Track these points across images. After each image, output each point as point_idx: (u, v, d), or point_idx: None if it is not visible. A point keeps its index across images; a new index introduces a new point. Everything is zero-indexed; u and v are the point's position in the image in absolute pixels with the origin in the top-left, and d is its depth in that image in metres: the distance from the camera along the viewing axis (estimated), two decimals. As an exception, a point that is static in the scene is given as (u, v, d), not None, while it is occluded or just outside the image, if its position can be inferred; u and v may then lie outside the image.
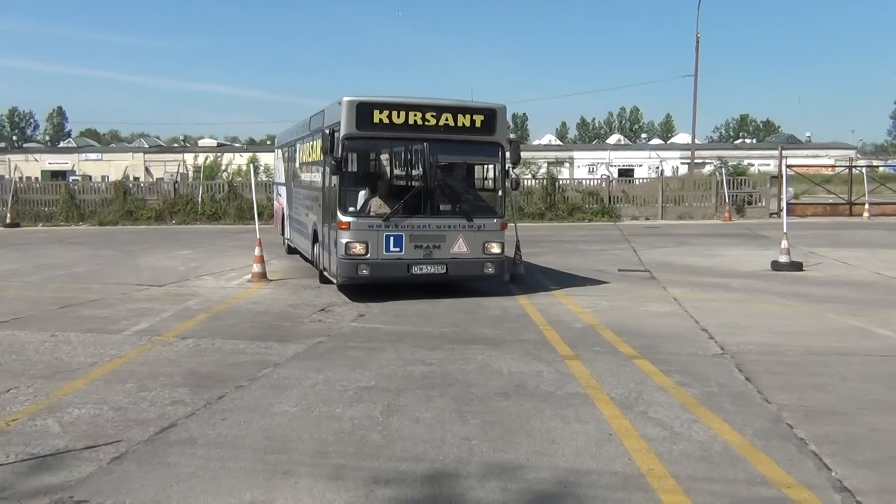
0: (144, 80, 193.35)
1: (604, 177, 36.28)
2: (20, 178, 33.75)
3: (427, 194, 11.12)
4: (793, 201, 32.36)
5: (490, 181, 12.59)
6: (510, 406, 6.03)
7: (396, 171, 13.78)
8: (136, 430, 5.47)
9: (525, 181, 31.36)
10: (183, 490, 4.40)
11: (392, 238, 10.89)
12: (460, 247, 11.18)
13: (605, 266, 15.63)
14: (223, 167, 42.43)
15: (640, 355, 7.72)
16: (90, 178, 52.60)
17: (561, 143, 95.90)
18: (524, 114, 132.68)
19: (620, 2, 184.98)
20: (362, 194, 11.41)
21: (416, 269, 11.05)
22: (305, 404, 6.08)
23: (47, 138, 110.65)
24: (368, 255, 10.81)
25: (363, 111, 10.71)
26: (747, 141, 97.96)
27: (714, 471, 4.68)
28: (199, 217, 29.04)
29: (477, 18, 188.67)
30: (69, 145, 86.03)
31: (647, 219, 30.30)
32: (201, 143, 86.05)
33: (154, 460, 4.88)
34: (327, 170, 11.26)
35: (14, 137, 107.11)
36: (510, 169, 11.75)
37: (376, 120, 10.75)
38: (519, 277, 13.13)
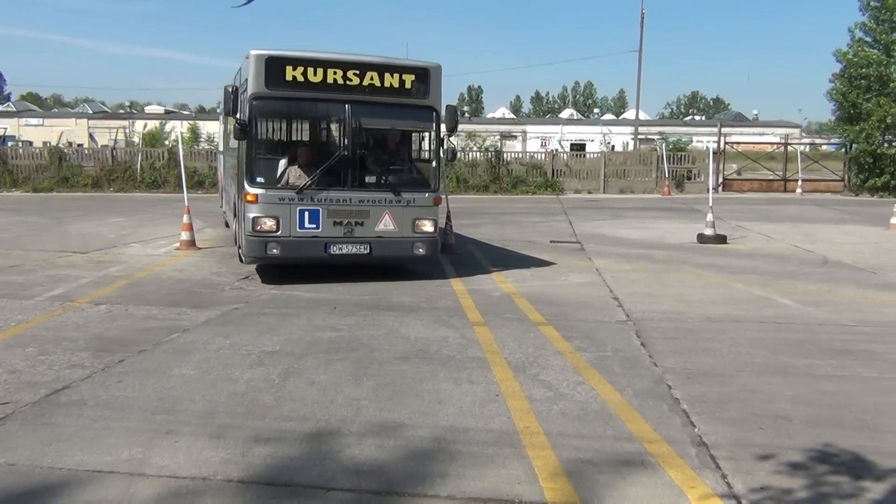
0: (90, 44, 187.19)
1: (547, 151, 36.50)
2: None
3: (348, 164, 9.82)
4: (733, 177, 33.19)
5: (422, 151, 11.60)
6: (408, 369, 6.17)
7: (313, 138, 12.89)
8: (26, 392, 5.46)
9: (471, 153, 31.46)
10: (60, 448, 4.44)
11: (307, 213, 9.63)
12: (386, 224, 9.96)
13: (538, 237, 15.85)
14: (167, 134, 41.50)
15: (548, 322, 7.94)
16: (31, 143, 50.98)
17: (514, 117, 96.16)
18: (479, 86, 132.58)
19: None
20: (282, 163, 10.33)
21: (334, 249, 9.79)
22: (205, 368, 6.13)
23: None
24: (280, 232, 9.53)
25: (273, 67, 9.38)
26: (696, 118, 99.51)
27: (585, 428, 4.89)
28: (138, 185, 28.47)
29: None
30: (8, 109, 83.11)
31: (589, 192, 30.70)
32: (148, 109, 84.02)
33: (38, 421, 4.90)
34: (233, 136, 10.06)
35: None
36: (445, 137, 10.58)
37: (289, 77, 9.41)
38: (449, 247, 13.23)
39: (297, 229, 9.64)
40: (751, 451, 4.51)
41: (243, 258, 10.30)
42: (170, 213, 20.61)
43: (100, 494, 3.86)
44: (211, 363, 6.27)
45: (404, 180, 10.45)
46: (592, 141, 67.74)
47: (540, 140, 68.05)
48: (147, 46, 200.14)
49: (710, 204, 15.73)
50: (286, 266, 10.38)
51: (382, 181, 10.21)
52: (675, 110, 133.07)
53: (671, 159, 31.38)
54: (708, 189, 17.77)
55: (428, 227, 10.20)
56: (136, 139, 42.52)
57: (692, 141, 41.10)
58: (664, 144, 33.00)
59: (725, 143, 31.97)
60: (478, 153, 31.41)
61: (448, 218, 13.58)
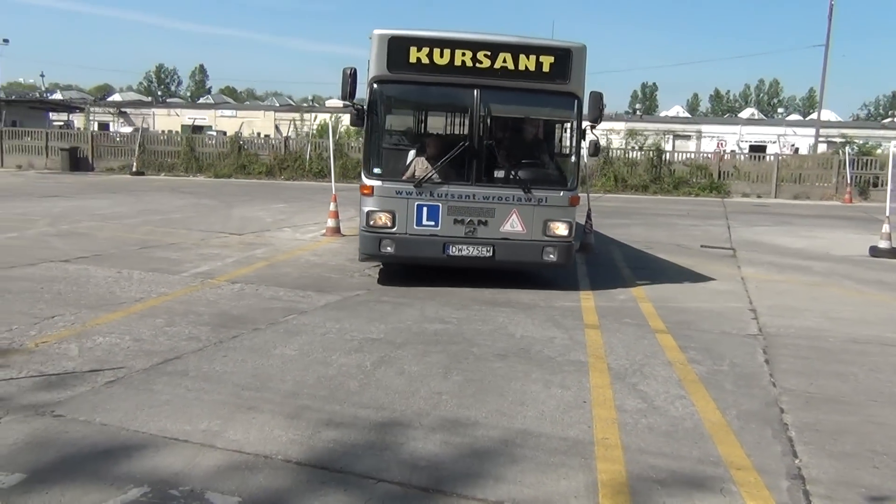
0: (282, 41, 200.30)
1: (715, 151, 34.54)
2: (146, 130, 35.97)
3: (473, 156, 8.88)
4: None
5: (560, 143, 10.60)
6: (501, 367, 6.02)
7: (438, 126, 12.28)
8: (141, 359, 5.87)
9: (631, 152, 30.43)
10: (150, 413, 4.72)
11: (425, 209, 8.83)
12: (513, 224, 8.92)
13: (689, 242, 15.04)
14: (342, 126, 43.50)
15: (667, 330, 7.47)
16: (224, 133, 55.38)
17: (689, 116, 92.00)
18: (653, 83, 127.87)
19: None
20: (411, 154, 9.85)
21: (453, 250, 8.86)
22: (307, 349, 6.31)
23: (189, 94, 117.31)
24: (395, 229, 8.82)
25: (396, 47, 8.64)
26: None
27: (669, 446, 4.52)
28: (306, 174, 30.10)
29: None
30: (208, 102, 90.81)
31: (759, 196, 28.74)
32: (328, 103, 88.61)
33: (142, 386, 5.25)
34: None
35: (160, 93, 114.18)
36: (588, 129, 9.30)
37: (413, 59, 8.62)
38: (587, 246, 12.87)
39: (415, 226, 8.87)
40: (854, 491, 3.97)
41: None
42: (329, 201, 21.63)
43: (167, 460, 4.05)
44: (314, 345, 6.44)
45: (537, 176, 9.39)
46: (774, 142, 63.46)
47: (716, 140, 64.71)
48: (327, 43, 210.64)
49: (888, 213, 14.17)
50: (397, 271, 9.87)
51: (511, 176, 9.11)
52: (874, 111, 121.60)
53: (856, 164, 28.66)
54: (887, 196, 16.01)
55: (561, 230, 8.98)
56: (306, 130, 44.90)
57: (881, 145, 37.26)
58: (848, 147, 30.10)
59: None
60: (638, 152, 30.29)
61: (588, 216, 13.19)
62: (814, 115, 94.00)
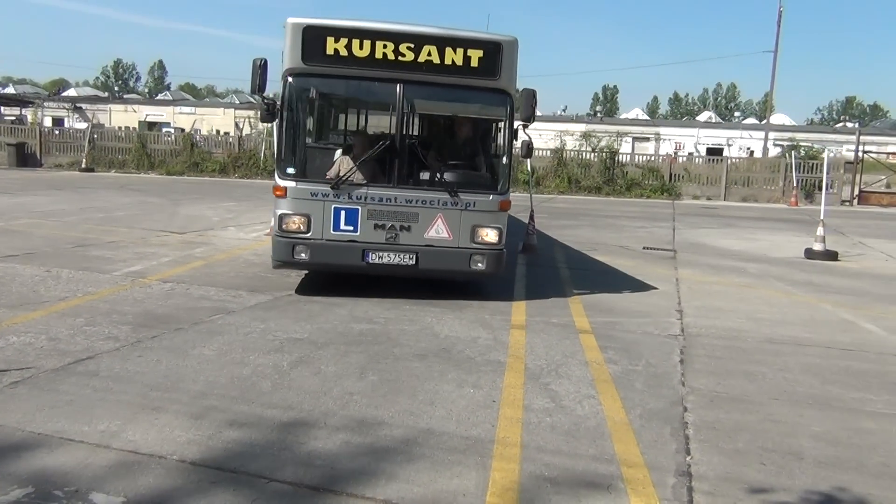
0: (243, 38, 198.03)
1: (667, 154, 35.07)
2: (98, 125, 35.38)
3: (395, 155, 8.36)
4: (872, 189, 30.64)
5: (490, 144, 10.08)
6: (418, 367, 6.07)
7: (357, 124, 11.72)
8: (53, 359, 5.79)
9: (585, 154, 30.74)
10: (50, 414, 4.66)
11: (343, 212, 8.23)
12: (439, 230, 8.34)
13: (633, 243, 15.25)
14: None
15: (591, 330, 7.59)
16: (182, 130, 54.64)
17: (648, 118, 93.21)
18: (614, 86, 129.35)
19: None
20: (337, 154, 9.23)
21: (373, 257, 8.27)
22: (225, 350, 6.28)
23: (147, 90, 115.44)
24: (310, 234, 8.20)
25: (312, 38, 7.99)
26: (849, 125, 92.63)
27: (568, 445, 4.60)
28: (260, 172, 29.87)
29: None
30: (166, 98, 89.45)
31: (708, 199, 29.27)
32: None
33: (47, 387, 5.18)
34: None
35: (117, 89, 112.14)
36: (520, 128, 8.75)
37: (330, 51, 7.97)
38: (530, 248, 13.00)
39: (331, 231, 8.24)
40: (738, 486, 4.09)
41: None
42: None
43: (59, 461, 4.01)
44: (234, 346, 6.41)
45: (464, 178, 8.69)
46: (731, 146, 64.58)
47: (674, 143, 65.66)
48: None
49: (822, 217, 14.56)
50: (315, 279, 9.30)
51: (436, 178, 8.54)
52: (827, 116, 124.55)
53: (802, 168, 29.34)
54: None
55: (491, 236, 8.40)
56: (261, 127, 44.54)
57: (851, 150, 38.09)
58: (794, 152, 30.80)
59: (864, 152, 29.46)
60: (592, 154, 30.63)
61: (531, 217, 13.33)
62: (771, 119, 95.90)
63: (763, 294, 10.20)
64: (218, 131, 51.01)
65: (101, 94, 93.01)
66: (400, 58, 8.06)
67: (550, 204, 23.84)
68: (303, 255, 8.26)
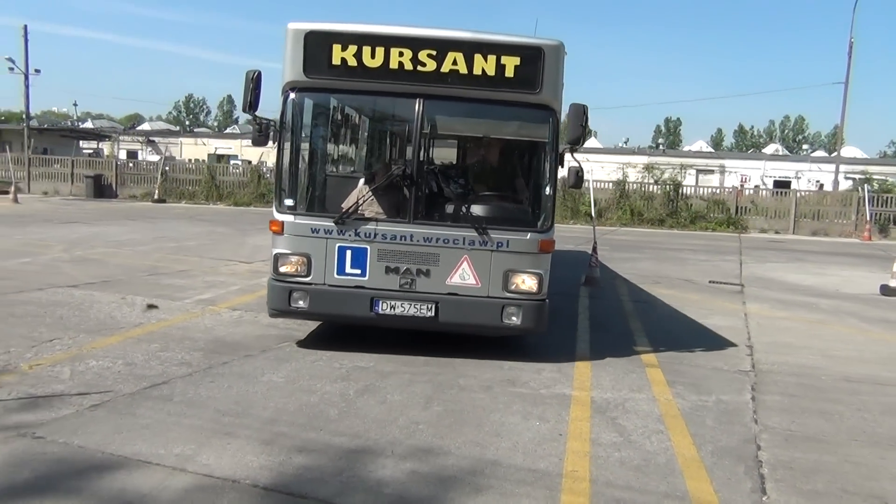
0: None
1: (734, 186, 34.39)
2: (170, 158, 36.67)
3: (412, 185, 7.03)
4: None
5: (530, 171, 8.24)
6: (484, 398, 6.06)
7: (372, 146, 10.35)
8: (129, 383, 5.99)
9: (648, 186, 30.40)
10: (127, 437, 4.81)
11: (349, 253, 6.99)
12: (464, 275, 6.98)
13: (697, 277, 14.97)
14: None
15: (657, 364, 7.45)
16: (250, 162, 56.23)
17: (713, 150, 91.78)
18: (677, 118, 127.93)
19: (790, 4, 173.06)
20: (360, 183, 7.67)
21: (384, 307, 6.95)
22: (294, 377, 6.39)
23: (217, 124, 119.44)
24: (310, 278, 7.03)
25: (316, 46, 6.86)
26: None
27: (638, 481, 4.52)
28: (324, 204, 30.38)
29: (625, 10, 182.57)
30: (234, 132, 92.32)
31: (776, 232, 28.55)
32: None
33: (125, 410, 5.35)
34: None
35: (188, 122, 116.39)
36: (565, 152, 7.44)
37: (337, 60, 6.81)
38: (592, 280, 12.89)
39: (335, 275, 7.02)
40: (817, 529, 3.94)
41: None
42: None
43: (137, 482, 4.13)
44: (301, 373, 6.52)
45: (496, 213, 7.36)
46: (799, 178, 63.05)
47: (739, 176, 64.42)
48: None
49: (899, 251, 14.04)
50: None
51: (462, 212, 7.20)
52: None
53: (876, 201, 28.42)
54: None
55: (528, 284, 6.97)
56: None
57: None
58: (867, 185, 29.86)
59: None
60: (655, 186, 30.28)
61: (594, 249, 13.24)
62: (842, 152, 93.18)
63: (836, 331, 9.87)
64: (263, 162, 52.36)
65: (172, 127, 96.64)
66: (420, 68, 6.79)
67: (612, 236, 23.61)
68: (301, 302, 7.05)
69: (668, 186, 29.88)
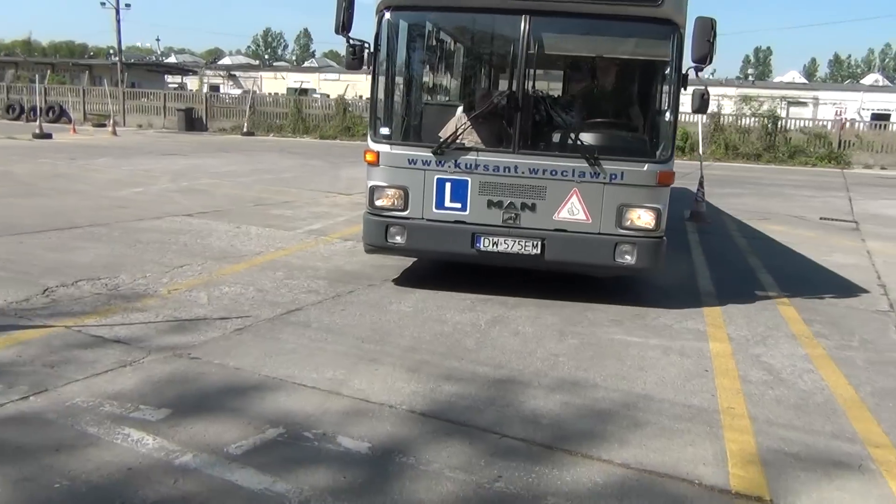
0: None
1: (837, 119, 32.57)
2: (256, 92, 37.08)
3: (518, 112, 6.40)
4: None
5: (648, 95, 7.58)
6: (617, 332, 5.95)
7: (472, 70, 9.86)
8: (266, 309, 6.11)
9: (743, 119, 29.09)
10: (278, 360, 4.91)
11: (449, 185, 6.52)
12: (573, 210, 6.39)
13: (806, 213, 14.33)
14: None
15: (789, 302, 7.17)
16: (328, 96, 56.48)
17: (805, 82, 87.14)
18: (767, 47, 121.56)
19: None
20: (458, 111, 7.02)
21: (486, 243, 6.48)
22: (421, 307, 6.40)
23: (294, 58, 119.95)
24: (408, 212, 6.61)
25: None
26: None
27: (800, 419, 4.36)
28: (408, 136, 30.29)
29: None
30: (312, 65, 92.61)
31: (882, 168, 27.02)
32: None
33: (268, 335, 5.46)
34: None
35: (266, 56, 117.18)
36: (688, 73, 6.40)
37: None
38: (699, 216, 12.48)
39: (434, 209, 6.58)
40: None
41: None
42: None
43: (299, 404, 4.21)
44: (428, 303, 6.52)
45: (610, 142, 6.73)
46: (901, 109, 59.31)
47: (834, 108, 61.09)
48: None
49: None
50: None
51: (571, 141, 6.59)
52: None
53: None
54: None
55: (644, 219, 6.36)
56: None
57: None
58: None
59: None
60: (751, 119, 28.94)
61: (700, 183, 12.77)
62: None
63: (973, 270, 9.28)
64: (360, 96, 52.39)
65: (252, 62, 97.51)
66: None
67: (708, 171, 22.67)
68: (398, 238, 6.65)
69: (765, 119, 28.51)
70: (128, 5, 41.43)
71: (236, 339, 5.32)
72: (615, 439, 3.96)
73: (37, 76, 30.71)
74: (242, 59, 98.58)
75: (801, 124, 29.25)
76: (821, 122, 30.27)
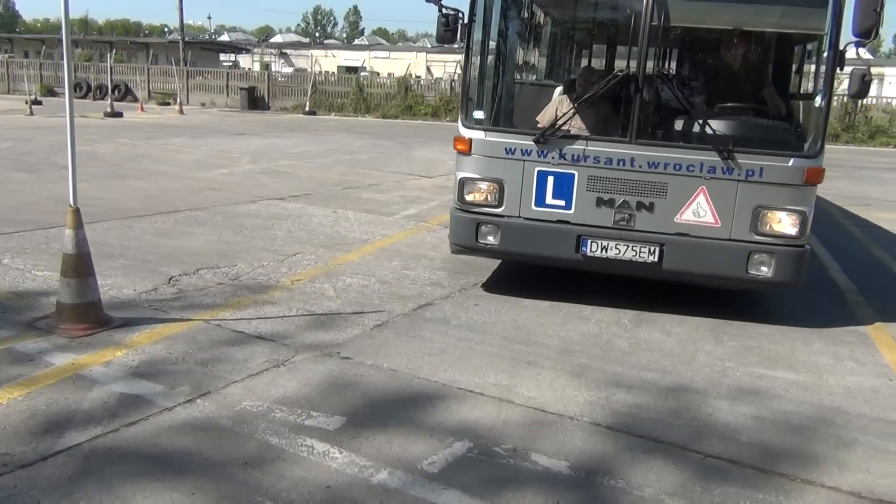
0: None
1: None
2: (319, 72, 36.98)
3: (636, 94, 5.47)
4: None
5: (795, 76, 6.79)
6: (772, 334, 5.57)
7: (583, 46, 8.94)
8: (396, 303, 5.87)
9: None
10: (433, 362, 4.66)
11: (552, 179, 5.70)
12: (699, 211, 5.49)
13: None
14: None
15: (942, 301, 6.69)
16: (377, 74, 56.25)
17: (870, 57, 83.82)
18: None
19: None
20: (556, 93, 6.58)
21: (593, 247, 5.64)
22: (555, 301, 6.09)
23: (344, 36, 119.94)
24: (502, 209, 5.82)
25: None
26: None
27: None
28: (471, 116, 29.84)
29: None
30: (362, 43, 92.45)
31: (971, 150, 25.77)
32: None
33: (410, 332, 5.22)
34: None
35: (317, 34, 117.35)
36: (846, 48, 5.27)
37: None
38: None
39: (533, 206, 5.77)
40: None
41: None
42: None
43: (475, 413, 3.95)
44: (561, 297, 6.19)
45: (746, 131, 5.70)
46: None
47: (901, 85, 58.53)
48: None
49: None
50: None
51: (700, 129, 5.54)
52: None
53: None
54: None
55: (786, 225, 5.43)
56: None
57: None
58: None
59: None
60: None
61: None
62: None
63: None
64: (410, 74, 51.99)
65: (303, 39, 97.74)
66: None
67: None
68: (490, 238, 5.88)
69: (844, 97, 27.30)
70: (188, -16, 41.50)
71: (380, 338, 5.08)
72: (830, 462, 3.62)
73: (108, 55, 31.00)
74: (293, 38, 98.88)
75: (885, 102, 28.02)
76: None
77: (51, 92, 34.13)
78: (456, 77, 35.66)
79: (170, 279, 6.16)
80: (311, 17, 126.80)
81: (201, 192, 10.64)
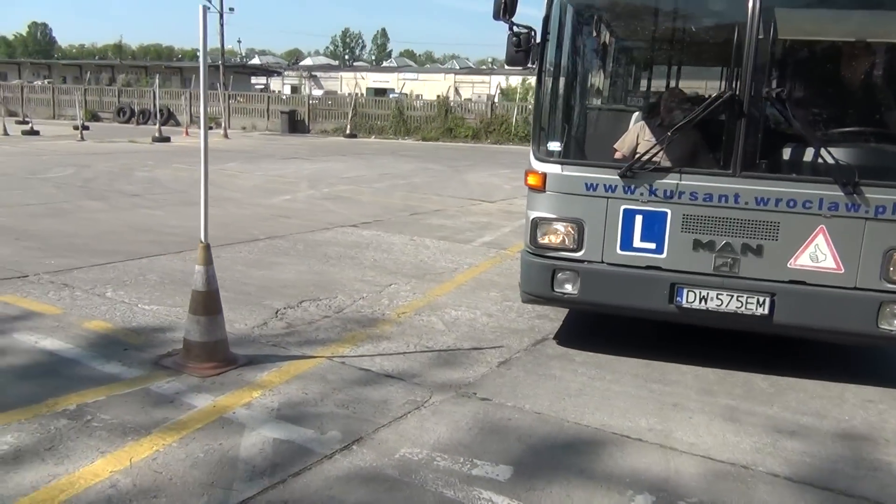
0: (461, 4, 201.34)
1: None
2: (359, 95, 37.23)
3: (739, 120, 4.75)
4: None
5: None
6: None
7: (675, 69, 8.09)
8: (511, 338, 5.71)
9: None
10: (576, 404, 4.48)
11: (639, 218, 5.00)
12: (817, 254, 4.72)
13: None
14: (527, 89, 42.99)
15: None
16: (406, 96, 56.51)
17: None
18: None
19: None
20: (634, 118, 6.11)
21: (690, 297, 4.90)
22: (664, 335, 5.87)
23: (373, 58, 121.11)
24: (582, 253, 5.14)
25: None
26: None
27: None
28: (511, 137, 29.84)
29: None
30: (390, 65, 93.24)
31: None
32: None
33: (538, 371, 5.04)
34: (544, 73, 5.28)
35: (346, 56, 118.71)
36: None
37: None
38: None
39: (618, 250, 5.07)
40: None
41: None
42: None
43: (642, 461, 3.77)
44: (661, 327, 5.98)
45: (875, 161, 4.97)
46: None
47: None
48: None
49: None
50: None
51: (817, 159, 4.70)
52: None
53: None
54: None
55: None
56: (496, 95, 44.62)
57: None
58: None
59: None
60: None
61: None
62: None
63: None
64: (438, 96, 52.20)
65: (332, 62, 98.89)
66: None
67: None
68: (568, 286, 5.17)
69: None
70: (231, 9, 42.22)
71: (510, 376, 4.91)
72: None
73: (154, 80, 31.39)
74: (322, 60, 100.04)
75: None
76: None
77: (94, 117, 34.64)
78: (496, 99, 35.76)
79: (276, 312, 6.06)
80: (339, 40, 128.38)
81: (273, 219, 10.60)
